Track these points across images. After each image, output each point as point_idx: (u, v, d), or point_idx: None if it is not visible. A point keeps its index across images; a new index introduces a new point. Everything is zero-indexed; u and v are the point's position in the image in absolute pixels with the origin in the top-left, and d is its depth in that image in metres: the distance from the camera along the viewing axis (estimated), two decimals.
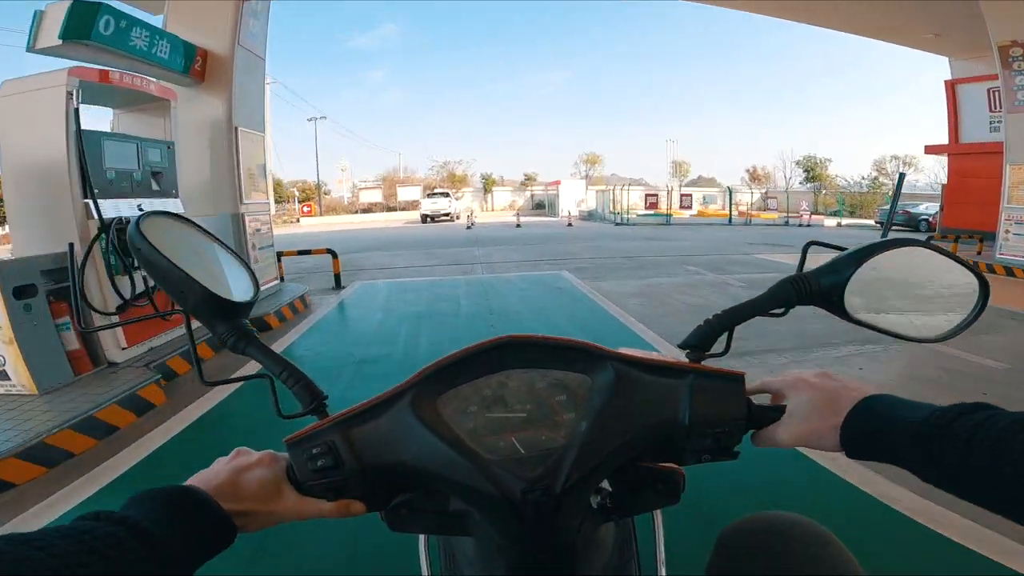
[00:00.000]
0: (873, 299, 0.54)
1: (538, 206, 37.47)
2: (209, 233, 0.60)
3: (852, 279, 0.53)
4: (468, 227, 21.86)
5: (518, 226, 21.89)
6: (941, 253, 0.54)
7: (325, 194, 47.21)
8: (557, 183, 33.65)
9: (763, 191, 32.99)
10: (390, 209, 36.01)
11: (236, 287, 0.58)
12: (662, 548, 0.72)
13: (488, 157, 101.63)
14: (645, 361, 0.52)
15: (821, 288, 0.55)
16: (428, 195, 30.37)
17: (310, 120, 39.22)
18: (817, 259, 0.57)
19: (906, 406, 0.45)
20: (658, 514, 0.74)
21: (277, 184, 48.65)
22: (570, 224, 22.12)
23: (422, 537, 0.72)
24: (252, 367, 0.54)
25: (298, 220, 33.94)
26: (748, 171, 49.21)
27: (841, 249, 0.58)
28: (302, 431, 0.50)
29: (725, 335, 0.58)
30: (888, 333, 0.55)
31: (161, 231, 0.53)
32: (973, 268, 0.53)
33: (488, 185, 39.92)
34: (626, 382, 0.51)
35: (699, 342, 0.57)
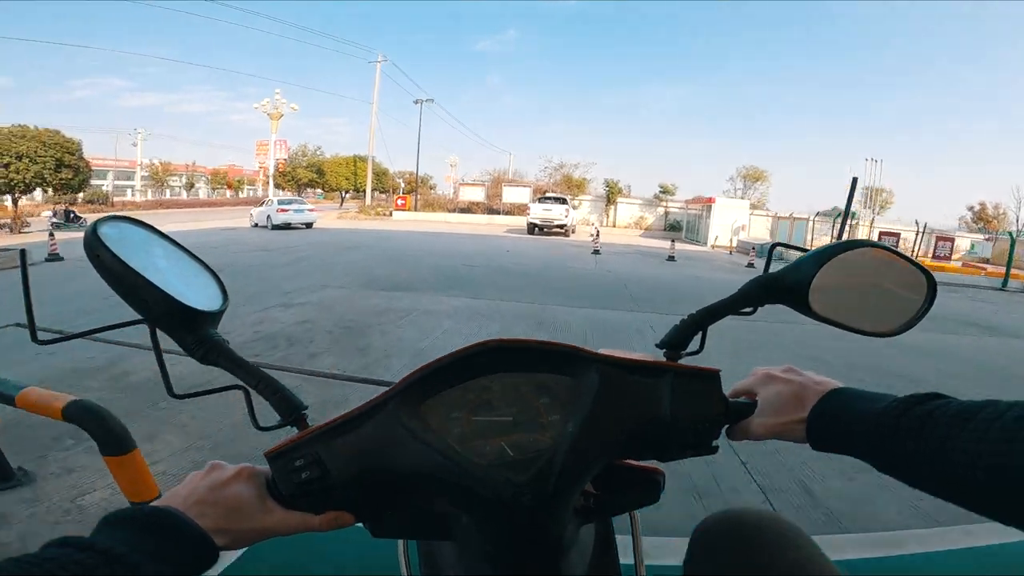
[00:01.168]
0: (834, 297, 0.56)
1: (672, 227, 29.32)
2: (173, 240, 0.56)
3: (815, 278, 0.54)
4: (594, 251, 14.75)
5: (671, 259, 14.26)
6: (894, 253, 0.56)
7: (430, 188, 43.87)
8: (708, 200, 24.97)
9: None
10: (492, 211, 30.24)
11: (204, 296, 0.53)
12: (640, 546, 0.73)
13: (608, 167, 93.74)
14: (627, 361, 0.53)
15: (787, 286, 0.56)
16: (539, 199, 23.29)
17: (416, 102, 35.05)
18: None
19: (866, 399, 0.47)
20: (636, 514, 0.71)
21: (383, 173, 47.13)
22: (751, 264, 14.21)
23: (400, 540, 0.68)
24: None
25: (391, 213, 30.37)
26: (972, 209, 36.83)
27: (804, 250, 0.60)
28: (283, 443, 0.49)
29: (699, 334, 0.60)
30: (848, 328, 0.56)
31: (121, 237, 0.49)
32: (921, 267, 0.56)
33: (612, 194, 32.14)
34: (610, 383, 0.52)
35: (675, 341, 0.59)
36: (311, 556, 1.65)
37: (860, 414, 0.45)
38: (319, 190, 52.18)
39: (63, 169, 17.57)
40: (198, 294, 0.52)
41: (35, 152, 16.81)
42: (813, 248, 0.57)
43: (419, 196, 34.52)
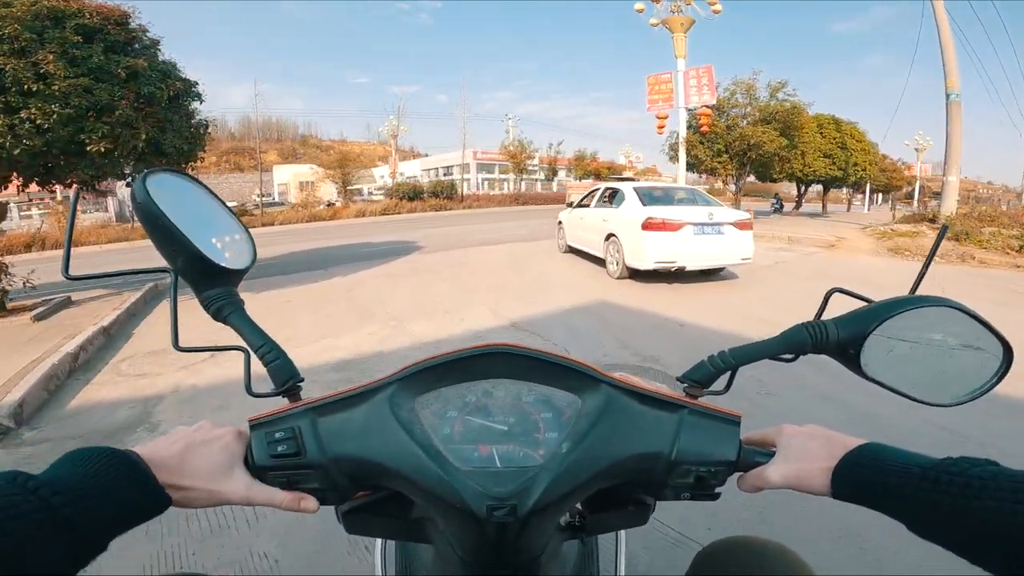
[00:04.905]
0: (890, 356, 0.51)
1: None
2: (215, 195, 0.57)
3: (872, 335, 0.50)
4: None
5: None
6: (970, 315, 0.50)
7: None
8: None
9: None
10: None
11: (232, 253, 0.54)
12: (623, 565, 0.72)
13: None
14: (639, 390, 0.52)
15: (839, 339, 0.52)
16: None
17: None
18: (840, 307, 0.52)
19: (907, 457, 0.43)
20: (622, 532, 0.73)
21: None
22: None
23: (378, 540, 0.71)
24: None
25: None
26: None
27: (867, 300, 0.55)
28: (269, 412, 0.49)
29: (728, 374, 0.56)
30: (901, 394, 0.52)
31: (167, 188, 0.50)
32: (999, 334, 0.49)
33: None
34: (616, 409, 0.50)
35: (699, 378, 0.55)
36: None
37: (900, 469, 0.42)
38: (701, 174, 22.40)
39: None
40: (226, 251, 0.53)
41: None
42: (879, 300, 0.53)
43: None
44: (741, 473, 0.51)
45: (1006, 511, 0.35)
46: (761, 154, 17.49)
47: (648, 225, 6.37)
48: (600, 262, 7.65)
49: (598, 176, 38.50)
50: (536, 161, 35.97)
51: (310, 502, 0.48)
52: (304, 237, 15.37)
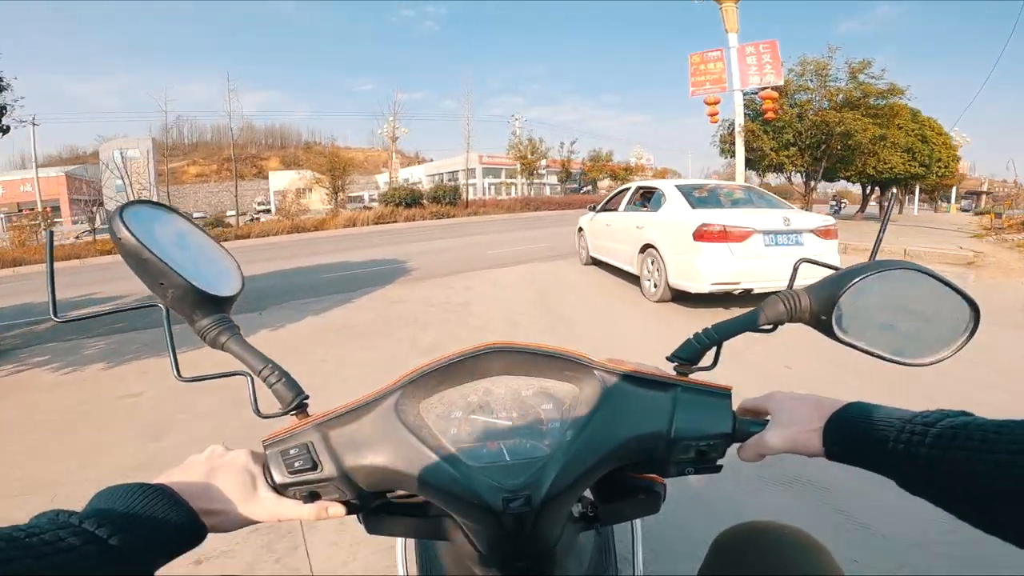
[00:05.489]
0: (862, 320, 0.53)
1: None
2: (195, 223, 0.57)
3: (842, 299, 0.51)
4: None
5: None
6: (934, 277, 0.51)
7: None
8: None
9: None
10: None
11: (220, 280, 0.54)
12: (640, 554, 0.72)
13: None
14: (632, 373, 0.53)
15: (812, 306, 0.54)
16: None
17: None
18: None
19: (889, 411, 0.45)
20: (637, 521, 0.73)
21: None
22: None
23: (400, 539, 0.72)
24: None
25: None
26: None
27: (834, 268, 0.56)
28: (280, 431, 0.50)
29: (714, 349, 0.57)
30: (876, 355, 0.53)
31: (144, 221, 0.50)
32: (965, 294, 0.50)
33: None
34: (613, 393, 0.51)
35: (687, 355, 0.56)
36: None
37: (882, 424, 0.43)
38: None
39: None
40: (214, 279, 0.53)
41: None
42: (843, 268, 0.54)
43: None
44: (739, 444, 0.52)
45: (974, 460, 0.36)
46: (849, 145, 14.00)
47: (702, 234, 4.73)
48: (631, 278, 5.98)
49: (613, 177, 35.47)
50: (545, 164, 32.81)
51: (337, 508, 0.50)
52: (273, 254, 12.37)
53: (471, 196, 29.97)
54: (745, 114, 13.43)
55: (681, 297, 5.11)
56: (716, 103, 12.88)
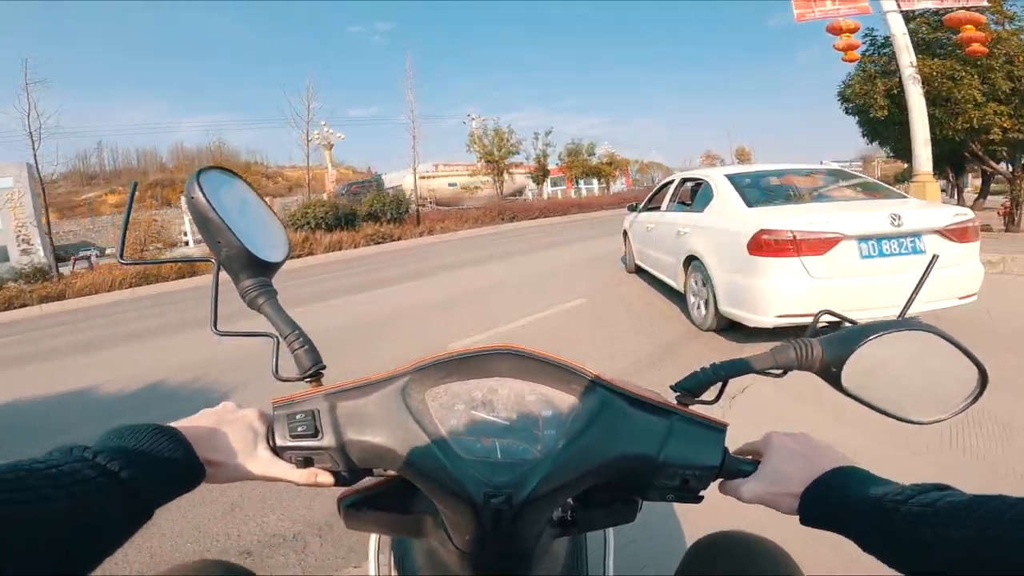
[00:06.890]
0: (868, 374, 0.53)
1: None
2: (257, 193, 0.61)
3: (855, 354, 0.52)
4: None
5: None
6: (949, 341, 0.51)
7: None
8: None
9: None
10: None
11: (269, 247, 0.58)
12: (611, 561, 0.72)
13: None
14: (633, 394, 0.53)
15: (824, 357, 0.54)
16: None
17: None
18: None
19: (868, 483, 0.45)
20: (610, 531, 0.73)
21: None
22: None
23: (373, 537, 0.72)
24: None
25: None
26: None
27: (852, 322, 0.57)
28: (292, 395, 0.52)
29: (719, 385, 0.58)
30: (879, 411, 0.54)
31: (216, 185, 0.54)
32: (975, 358, 0.51)
33: None
34: (610, 411, 0.52)
35: (691, 387, 0.58)
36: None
37: (857, 497, 0.44)
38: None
39: None
40: (264, 245, 0.56)
41: None
42: (861, 323, 0.54)
43: None
44: (724, 479, 0.54)
45: (939, 536, 0.36)
46: None
47: (762, 244, 3.16)
48: (677, 295, 4.49)
49: (599, 175, 30.55)
50: (522, 155, 27.09)
51: (326, 477, 0.52)
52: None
53: (426, 209, 24.12)
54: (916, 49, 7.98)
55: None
56: (854, 30, 7.62)
